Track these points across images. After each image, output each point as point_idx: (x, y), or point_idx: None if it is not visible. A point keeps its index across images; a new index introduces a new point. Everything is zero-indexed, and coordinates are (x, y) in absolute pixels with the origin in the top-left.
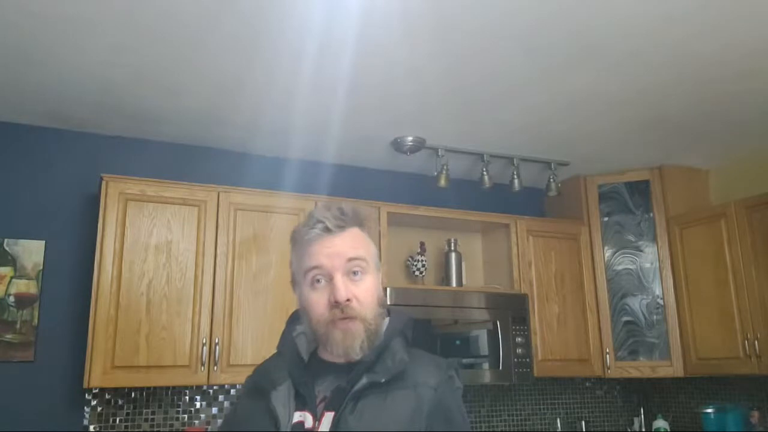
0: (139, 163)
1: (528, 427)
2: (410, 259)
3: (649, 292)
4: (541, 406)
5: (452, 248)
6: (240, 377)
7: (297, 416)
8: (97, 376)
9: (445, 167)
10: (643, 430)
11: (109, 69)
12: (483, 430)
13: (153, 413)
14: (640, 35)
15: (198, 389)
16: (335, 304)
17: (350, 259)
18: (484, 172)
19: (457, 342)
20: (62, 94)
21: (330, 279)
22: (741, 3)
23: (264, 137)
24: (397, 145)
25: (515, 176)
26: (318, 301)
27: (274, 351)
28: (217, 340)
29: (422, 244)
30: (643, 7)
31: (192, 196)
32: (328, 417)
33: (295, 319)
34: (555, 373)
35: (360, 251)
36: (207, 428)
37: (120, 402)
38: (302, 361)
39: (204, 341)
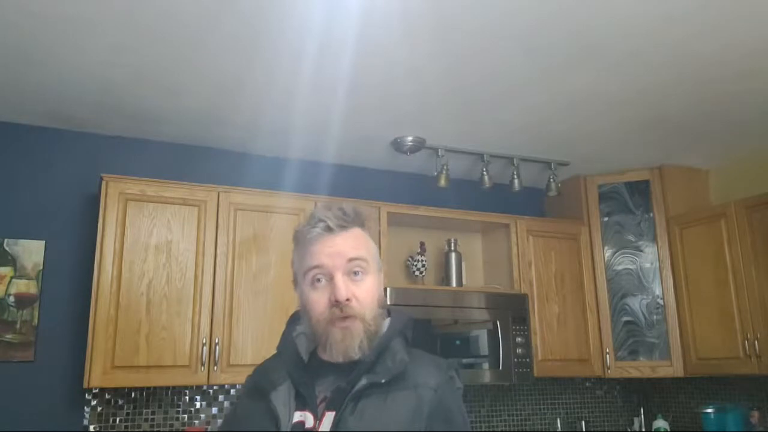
0: (139, 163)
1: (528, 427)
2: (410, 259)
3: (649, 292)
4: (541, 406)
5: (452, 248)
6: (240, 377)
7: (297, 416)
8: (97, 376)
9: (445, 167)
10: (643, 430)
11: (109, 69)
12: (483, 430)
13: (153, 413)
14: (640, 35)
15: (198, 389)
16: (335, 304)
17: (351, 259)
18: (484, 172)
19: (457, 342)
20: (62, 94)
21: (330, 278)
22: (741, 3)
23: (264, 137)
24: (397, 145)
25: (515, 176)
26: (318, 301)
27: (274, 351)
28: (217, 340)
29: (422, 244)
30: (643, 7)
31: (192, 196)
32: (329, 417)
33: (295, 319)
34: (555, 373)
35: (361, 251)
36: (207, 428)
37: (120, 402)
38: (302, 362)
39: (204, 341)
